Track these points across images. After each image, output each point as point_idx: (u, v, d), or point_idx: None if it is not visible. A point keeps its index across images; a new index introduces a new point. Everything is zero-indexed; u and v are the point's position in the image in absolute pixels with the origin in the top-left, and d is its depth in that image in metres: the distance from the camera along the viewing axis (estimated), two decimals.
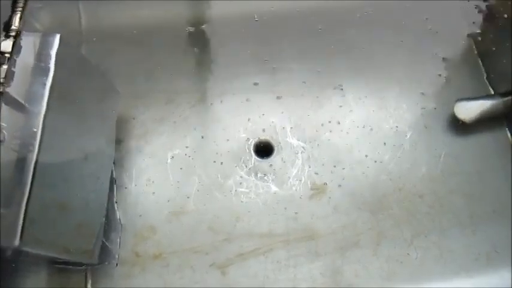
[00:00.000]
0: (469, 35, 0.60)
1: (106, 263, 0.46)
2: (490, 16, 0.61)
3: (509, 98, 0.52)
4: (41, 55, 0.37)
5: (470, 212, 0.50)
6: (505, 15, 0.60)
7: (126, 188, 0.50)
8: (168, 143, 0.53)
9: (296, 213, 0.49)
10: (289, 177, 0.51)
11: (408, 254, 0.48)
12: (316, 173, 0.51)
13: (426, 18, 0.61)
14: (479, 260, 0.48)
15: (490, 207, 0.50)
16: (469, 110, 0.52)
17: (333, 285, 0.46)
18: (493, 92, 0.56)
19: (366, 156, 0.52)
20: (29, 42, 0.37)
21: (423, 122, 0.54)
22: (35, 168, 0.35)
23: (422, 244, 0.48)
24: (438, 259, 0.48)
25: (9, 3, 0.38)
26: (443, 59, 0.58)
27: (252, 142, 0.53)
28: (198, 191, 0.50)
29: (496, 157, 0.53)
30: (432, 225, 0.49)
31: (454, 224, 0.49)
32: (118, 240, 0.47)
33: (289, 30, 0.60)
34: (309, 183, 0.51)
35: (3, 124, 0.35)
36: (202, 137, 0.53)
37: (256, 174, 0.51)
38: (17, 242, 0.33)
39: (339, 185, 0.51)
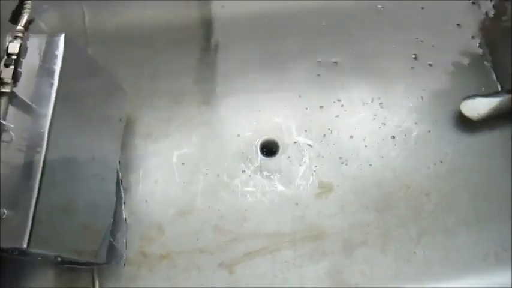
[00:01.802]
0: (477, 34, 0.59)
1: (113, 263, 0.46)
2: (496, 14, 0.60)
3: None
4: (47, 56, 0.37)
5: (477, 210, 0.50)
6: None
7: (132, 188, 0.50)
8: (174, 143, 0.53)
9: (303, 212, 0.49)
10: (295, 176, 0.51)
11: (415, 253, 0.48)
12: (323, 172, 0.51)
13: (432, 15, 0.60)
14: (488, 259, 0.47)
15: (496, 206, 0.50)
16: (476, 107, 0.52)
17: (340, 285, 0.46)
18: (500, 89, 0.55)
19: (373, 154, 0.52)
20: (35, 44, 0.37)
21: (430, 119, 0.54)
22: (43, 169, 0.35)
23: (429, 243, 0.48)
24: (445, 258, 0.47)
25: (7, 3, 0.38)
26: (451, 57, 0.58)
27: (258, 141, 0.53)
28: (204, 190, 0.50)
29: (502, 155, 0.53)
30: (438, 224, 0.49)
31: (460, 223, 0.49)
32: (124, 240, 0.47)
33: (294, 29, 0.60)
34: (315, 182, 0.51)
35: (10, 125, 0.35)
36: (208, 137, 0.53)
37: (262, 173, 0.51)
38: (25, 243, 0.33)
39: (346, 184, 0.51)
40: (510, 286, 0.46)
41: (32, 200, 0.34)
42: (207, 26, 0.60)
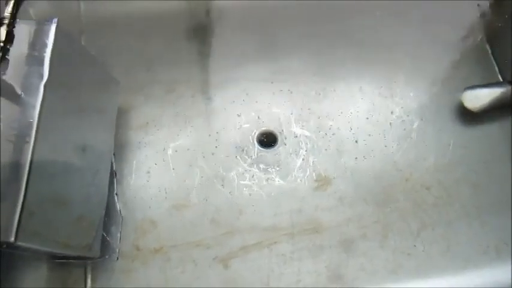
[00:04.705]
0: (477, 22, 0.58)
1: (106, 257, 0.45)
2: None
3: None
4: (36, 44, 0.36)
5: (478, 204, 0.49)
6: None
7: (126, 180, 0.49)
8: (169, 134, 0.52)
9: (300, 205, 0.48)
10: (293, 169, 0.50)
11: (415, 246, 0.47)
12: (321, 164, 0.50)
13: (433, 6, 0.59)
14: (488, 252, 0.47)
15: (498, 199, 0.49)
16: (477, 98, 0.51)
17: (338, 278, 0.46)
18: (501, 80, 0.55)
19: (372, 146, 0.51)
20: (24, 30, 0.36)
21: (430, 111, 0.53)
22: (31, 160, 0.34)
23: (429, 236, 0.47)
24: (445, 252, 0.47)
25: None
26: (451, 46, 0.57)
27: (255, 133, 0.52)
28: (199, 183, 0.49)
29: (504, 147, 0.52)
30: (439, 217, 0.48)
31: (461, 216, 0.48)
32: (118, 234, 0.46)
33: (291, 19, 0.58)
34: (313, 174, 0.50)
35: None
36: (204, 128, 0.52)
37: (259, 166, 0.50)
38: (12, 236, 0.32)
39: (344, 176, 0.50)
40: (510, 280, 0.46)
41: (21, 191, 0.33)
42: (203, 16, 0.59)
